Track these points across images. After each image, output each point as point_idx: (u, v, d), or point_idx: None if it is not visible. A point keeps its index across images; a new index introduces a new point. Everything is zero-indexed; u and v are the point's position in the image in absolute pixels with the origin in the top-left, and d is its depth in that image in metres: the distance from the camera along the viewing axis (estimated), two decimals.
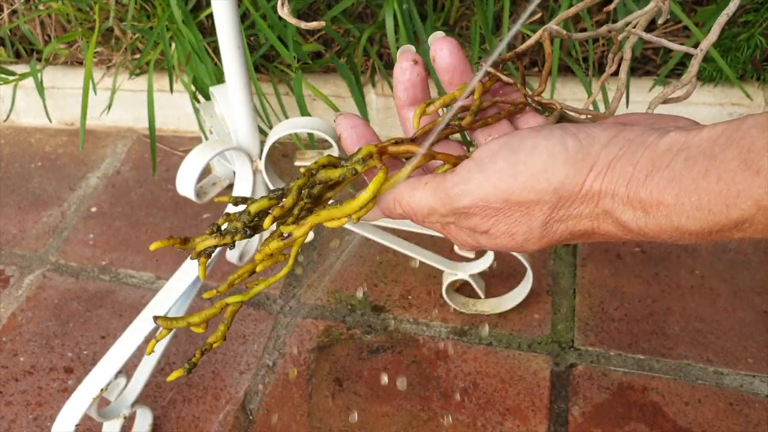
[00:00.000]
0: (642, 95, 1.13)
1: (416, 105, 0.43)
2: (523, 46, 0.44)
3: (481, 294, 0.99)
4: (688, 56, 1.13)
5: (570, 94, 1.15)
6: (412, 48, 0.42)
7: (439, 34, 0.42)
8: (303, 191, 0.40)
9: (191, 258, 0.41)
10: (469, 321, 0.99)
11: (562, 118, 0.43)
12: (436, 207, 0.39)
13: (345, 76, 1.10)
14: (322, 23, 0.41)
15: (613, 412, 0.89)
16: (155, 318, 0.40)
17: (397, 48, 1.17)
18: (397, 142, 0.41)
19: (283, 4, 0.40)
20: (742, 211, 0.32)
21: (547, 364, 0.94)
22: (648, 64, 1.19)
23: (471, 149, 0.41)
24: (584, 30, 1.10)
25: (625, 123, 0.38)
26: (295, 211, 0.40)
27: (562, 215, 0.37)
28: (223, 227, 0.41)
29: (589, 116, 0.44)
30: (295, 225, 0.40)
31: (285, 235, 0.40)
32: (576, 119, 0.44)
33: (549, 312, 1.00)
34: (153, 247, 0.39)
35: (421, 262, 0.96)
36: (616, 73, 0.50)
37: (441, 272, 0.99)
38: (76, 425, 0.74)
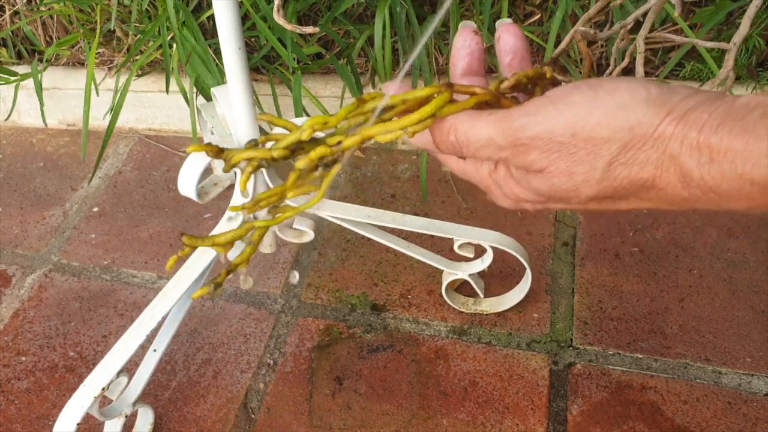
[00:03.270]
0: None
1: (471, 75, 0.44)
2: (557, 51, 0.45)
3: (480, 293, 0.99)
4: (687, 57, 1.14)
5: None
6: (473, 23, 0.44)
7: (507, 20, 0.44)
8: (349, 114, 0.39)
9: (223, 170, 0.39)
10: (469, 320, 1.00)
11: None
12: (495, 138, 0.38)
13: (345, 77, 1.11)
14: (316, 29, 0.41)
15: (611, 410, 0.89)
16: (181, 234, 0.39)
17: (393, 50, 1.18)
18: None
19: (278, 10, 0.41)
20: None
21: (545, 362, 0.94)
22: (647, 64, 1.19)
23: None
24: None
25: None
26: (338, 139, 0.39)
27: (629, 158, 0.37)
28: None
29: None
30: (345, 135, 0.38)
31: (334, 144, 0.38)
32: None
33: (548, 311, 1.00)
34: (189, 149, 0.38)
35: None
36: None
37: (441, 272, 0.99)
38: (78, 424, 0.74)
